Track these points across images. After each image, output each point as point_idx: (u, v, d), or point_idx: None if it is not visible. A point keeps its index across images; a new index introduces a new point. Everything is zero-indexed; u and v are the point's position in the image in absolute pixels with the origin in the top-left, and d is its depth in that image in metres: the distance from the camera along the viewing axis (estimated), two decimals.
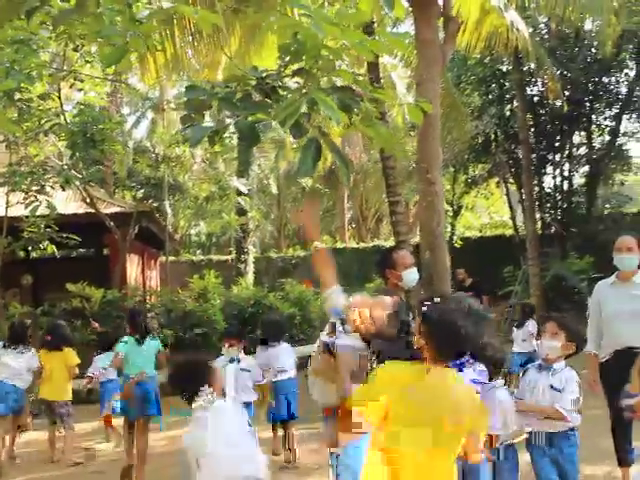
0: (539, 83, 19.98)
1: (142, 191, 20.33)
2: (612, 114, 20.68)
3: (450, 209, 26.05)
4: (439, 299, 3.39)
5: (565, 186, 21.52)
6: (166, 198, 19.86)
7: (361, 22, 4.13)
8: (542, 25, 19.08)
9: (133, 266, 21.18)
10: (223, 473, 3.98)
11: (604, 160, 20.72)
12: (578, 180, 22.29)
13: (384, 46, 3.72)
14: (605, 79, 19.76)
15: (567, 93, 18.62)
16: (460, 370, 4.53)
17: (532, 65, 17.75)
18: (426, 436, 3.13)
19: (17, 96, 11.00)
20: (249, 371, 7.75)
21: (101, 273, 18.03)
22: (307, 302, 18.96)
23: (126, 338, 7.77)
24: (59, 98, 14.41)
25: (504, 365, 5.28)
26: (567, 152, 21.17)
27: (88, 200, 16.17)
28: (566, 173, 21.48)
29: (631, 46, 18.89)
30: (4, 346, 8.81)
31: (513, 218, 23.61)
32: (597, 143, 21.58)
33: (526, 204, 19.57)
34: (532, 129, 20.25)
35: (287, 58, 3.77)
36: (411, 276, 5.62)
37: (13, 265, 15.19)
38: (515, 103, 19.79)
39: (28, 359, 8.75)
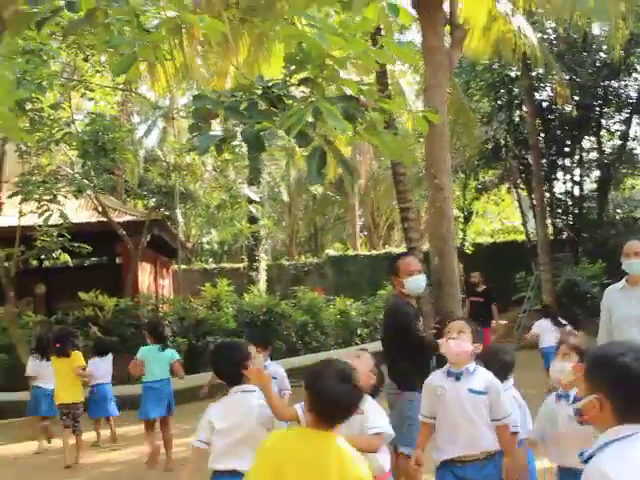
0: (548, 88, 19.97)
1: (154, 200, 20.41)
2: (622, 118, 20.66)
3: (461, 215, 26.02)
4: (320, 363, 3.34)
5: (576, 191, 21.49)
6: (177, 206, 19.94)
7: (368, 30, 4.14)
8: (550, 30, 19.07)
9: (145, 274, 21.26)
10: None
11: (615, 165, 20.67)
12: (589, 185, 22.26)
13: (388, 55, 3.76)
14: (614, 83, 19.74)
15: (576, 98, 18.63)
16: (457, 379, 4.56)
17: (541, 70, 17.77)
18: None
19: (29, 106, 11.12)
20: (275, 378, 7.60)
21: (114, 281, 18.12)
22: (319, 309, 19.03)
23: (148, 347, 8.66)
24: (70, 107, 14.54)
25: (513, 368, 5.26)
26: (577, 157, 21.14)
27: (100, 209, 16.27)
28: (577, 178, 21.44)
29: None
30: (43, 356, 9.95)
31: (524, 224, 23.56)
32: (607, 147, 21.53)
33: (537, 210, 19.55)
34: (542, 134, 20.23)
35: (292, 67, 3.84)
36: (415, 283, 5.62)
37: (27, 274, 15.32)
38: (524, 108, 19.79)
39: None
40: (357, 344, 18.50)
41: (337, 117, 3.40)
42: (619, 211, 22.19)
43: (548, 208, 20.46)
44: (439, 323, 5.95)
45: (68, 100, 15.04)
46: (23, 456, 10.27)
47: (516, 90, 20.25)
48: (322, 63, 3.63)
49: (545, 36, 18.77)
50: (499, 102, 20.34)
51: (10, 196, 12.65)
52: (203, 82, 15.12)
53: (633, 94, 20.11)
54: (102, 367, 10.56)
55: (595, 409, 2.49)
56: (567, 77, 18.37)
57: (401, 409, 5.56)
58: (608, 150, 21.43)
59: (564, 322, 12.27)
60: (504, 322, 19.21)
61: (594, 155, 21.40)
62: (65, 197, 12.60)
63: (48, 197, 12.13)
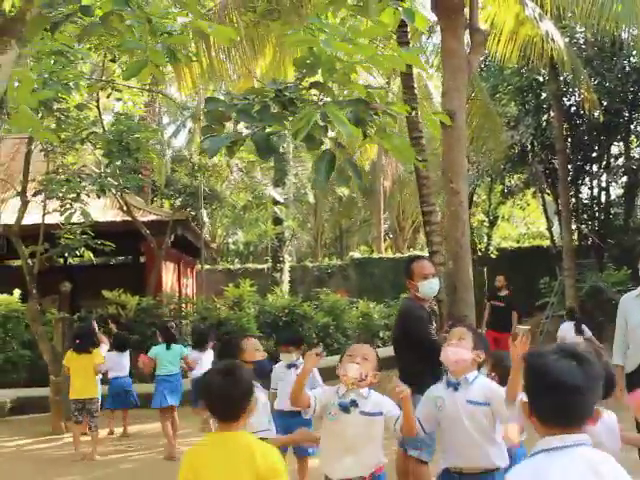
0: (576, 93, 19.81)
1: (180, 200, 20.58)
2: None
3: (486, 219, 25.89)
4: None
5: (602, 197, 21.28)
6: (202, 207, 20.06)
7: (380, 35, 4.17)
8: (578, 35, 18.92)
9: (169, 274, 21.41)
10: None
11: None
12: (616, 191, 22.04)
13: (398, 60, 3.77)
14: None
15: (605, 103, 18.46)
16: (455, 389, 4.54)
17: (569, 75, 17.65)
18: None
19: (55, 106, 11.25)
20: None
21: (137, 280, 18.28)
22: (341, 311, 19.05)
23: (158, 346, 9.98)
24: (97, 108, 14.69)
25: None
26: (605, 162, 20.93)
27: (125, 208, 16.42)
28: (604, 184, 21.24)
29: None
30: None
31: (549, 229, 23.39)
32: (636, 153, 21.29)
33: (563, 215, 19.38)
34: (569, 139, 20.07)
35: (304, 71, 3.87)
36: (429, 287, 5.64)
37: (52, 272, 15.45)
38: (552, 113, 19.63)
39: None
40: (379, 347, 18.42)
41: (344, 121, 3.42)
42: None
43: (574, 213, 20.28)
44: (452, 327, 5.94)
45: (96, 100, 15.22)
46: (42, 451, 10.42)
47: (544, 94, 20.11)
48: (332, 67, 3.66)
49: (574, 40, 18.64)
50: (526, 106, 20.19)
51: (34, 194, 12.80)
52: (231, 84, 15.22)
53: None
54: (120, 361, 11.12)
55: (526, 411, 2.47)
56: (595, 82, 18.22)
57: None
58: (636, 156, 21.20)
59: (586, 330, 12.28)
60: (527, 327, 19.09)
61: (622, 161, 21.16)
62: (88, 196, 12.73)
63: (71, 196, 12.26)
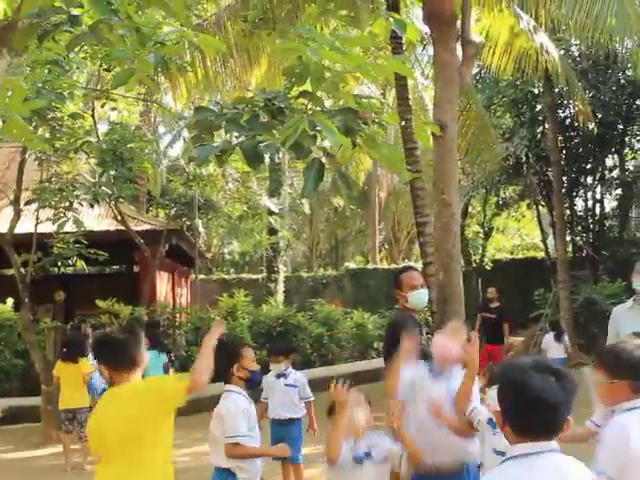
0: (571, 105, 19.87)
1: (175, 209, 20.55)
2: None
3: (481, 231, 25.92)
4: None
5: (597, 209, 21.34)
6: (197, 216, 20.05)
7: (369, 44, 4.19)
8: (573, 48, 19.01)
9: (163, 283, 21.39)
10: None
11: (637, 183, 20.48)
12: (610, 203, 22.09)
13: (386, 69, 3.78)
14: (638, 101, 19.59)
15: (599, 115, 18.51)
16: (436, 378, 4.54)
17: (563, 87, 17.70)
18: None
19: (50, 115, 11.26)
20: (296, 387, 7.65)
21: (131, 290, 18.24)
22: (335, 322, 19.02)
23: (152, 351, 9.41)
24: (92, 117, 14.69)
25: None
26: (599, 175, 20.99)
27: (119, 217, 16.41)
28: (598, 196, 21.31)
29: None
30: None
31: (544, 241, 23.43)
32: (630, 166, 21.38)
33: (557, 227, 19.41)
34: (563, 151, 20.11)
35: (292, 80, 3.87)
36: (417, 297, 5.62)
37: (46, 281, 15.46)
38: (546, 125, 19.68)
39: None
40: (373, 357, 18.46)
41: (332, 131, 3.42)
42: None
43: (568, 225, 20.30)
44: None
45: (91, 110, 15.21)
46: (33, 461, 10.38)
47: (539, 107, 20.18)
48: (321, 76, 3.66)
49: (569, 53, 18.72)
50: (521, 118, 20.24)
51: (27, 203, 12.79)
52: (226, 94, 15.23)
53: None
54: None
55: (499, 420, 2.56)
56: (590, 94, 18.28)
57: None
58: (631, 168, 21.27)
59: (566, 339, 13.51)
60: (521, 339, 19.10)
61: (616, 173, 21.24)
62: (81, 205, 12.73)
63: (64, 204, 12.26)
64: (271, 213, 25.60)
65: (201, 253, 23.62)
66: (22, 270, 12.22)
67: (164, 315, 17.42)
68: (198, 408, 11.26)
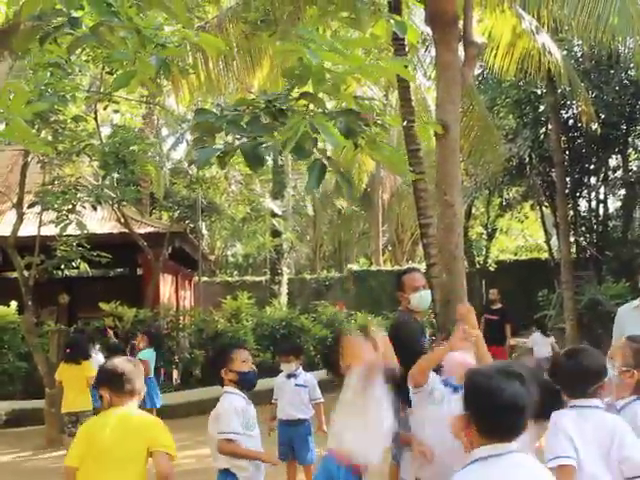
0: (574, 106, 19.83)
1: (178, 212, 20.56)
2: None
3: (484, 232, 25.87)
4: None
5: (601, 210, 21.29)
6: (200, 219, 20.05)
7: (370, 46, 4.18)
8: (576, 48, 18.98)
9: (166, 286, 21.39)
10: None
11: None
12: (614, 203, 22.04)
13: (386, 70, 3.77)
14: None
15: (602, 116, 18.47)
16: (455, 390, 4.50)
17: (566, 88, 17.68)
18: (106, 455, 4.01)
19: (52, 118, 11.26)
20: (305, 387, 7.64)
21: (135, 292, 18.25)
22: (339, 324, 19.00)
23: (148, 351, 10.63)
24: (95, 120, 14.70)
25: None
26: (602, 175, 20.95)
27: (122, 220, 16.41)
28: (602, 196, 21.25)
29: None
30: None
31: (548, 241, 23.39)
32: (634, 166, 21.30)
33: (561, 227, 19.35)
34: (567, 152, 20.07)
35: (293, 81, 3.87)
36: (419, 299, 5.60)
37: (50, 284, 15.46)
38: (549, 126, 19.65)
39: None
40: None
41: (332, 133, 3.42)
42: None
43: (572, 226, 20.24)
44: (445, 340, 5.91)
45: (94, 112, 15.22)
46: (36, 463, 10.38)
47: (542, 107, 20.14)
48: (322, 77, 3.66)
49: (572, 53, 18.68)
50: (524, 119, 20.20)
51: (30, 206, 12.80)
52: (229, 96, 15.24)
53: None
54: None
55: (464, 424, 2.69)
56: (593, 95, 18.22)
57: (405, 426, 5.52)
58: (634, 168, 21.22)
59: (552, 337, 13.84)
60: (524, 341, 19.05)
61: (619, 173, 21.18)
62: (84, 207, 12.74)
63: (67, 207, 12.27)
64: (274, 215, 25.58)
65: (204, 255, 23.65)
66: (25, 273, 12.23)
67: (167, 318, 17.43)
68: (202, 410, 11.32)
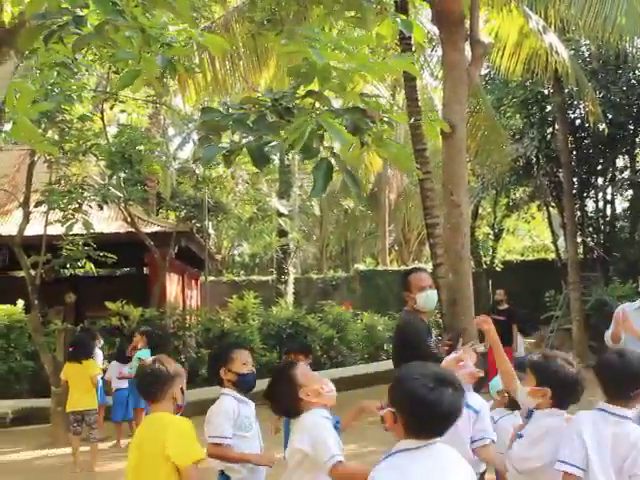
0: (581, 106, 19.77)
1: (185, 211, 20.57)
2: None
3: (491, 232, 25.82)
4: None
5: (608, 210, 21.24)
6: (206, 218, 20.06)
7: (378, 44, 4.17)
8: (583, 48, 18.92)
9: (173, 285, 21.41)
10: None
11: None
12: (621, 204, 21.98)
13: (391, 67, 3.75)
14: None
15: (610, 116, 18.41)
16: None
17: (573, 88, 17.64)
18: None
19: (59, 117, 11.27)
20: None
21: (142, 291, 18.27)
22: (345, 324, 19.00)
23: (145, 351, 9.89)
24: (102, 119, 14.72)
25: None
26: (610, 175, 20.89)
27: (129, 219, 16.43)
28: (609, 197, 21.22)
29: None
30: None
31: (555, 242, 23.33)
32: None
33: (568, 228, 19.31)
34: (574, 152, 20.01)
35: (299, 80, 3.85)
36: (426, 299, 5.58)
37: (57, 283, 15.49)
38: (556, 126, 19.60)
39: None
40: (383, 359, 18.43)
41: (339, 131, 3.41)
42: None
43: (579, 226, 20.19)
44: (451, 340, 5.90)
45: (101, 112, 15.24)
46: (42, 462, 10.40)
47: (549, 107, 20.09)
48: (327, 76, 3.64)
49: (579, 53, 18.63)
50: (531, 119, 20.16)
51: (36, 205, 12.81)
52: (235, 96, 15.23)
53: None
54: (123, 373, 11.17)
55: (391, 420, 2.76)
56: (600, 95, 18.17)
57: None
58: None
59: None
60: (531, 341, 19.01)
61: (627, 174, 21.13)
62: (90, 207, 12.75)
63: (73, 206, 12.27)
64: (281, 215, 25.59)
65: (211, 255, 23.65)
66: (32, 272, 12.24)
67: (174, 317, 17.44)
68: (205, 410, 11.33)
